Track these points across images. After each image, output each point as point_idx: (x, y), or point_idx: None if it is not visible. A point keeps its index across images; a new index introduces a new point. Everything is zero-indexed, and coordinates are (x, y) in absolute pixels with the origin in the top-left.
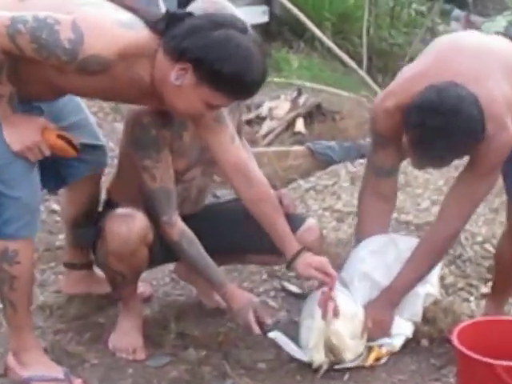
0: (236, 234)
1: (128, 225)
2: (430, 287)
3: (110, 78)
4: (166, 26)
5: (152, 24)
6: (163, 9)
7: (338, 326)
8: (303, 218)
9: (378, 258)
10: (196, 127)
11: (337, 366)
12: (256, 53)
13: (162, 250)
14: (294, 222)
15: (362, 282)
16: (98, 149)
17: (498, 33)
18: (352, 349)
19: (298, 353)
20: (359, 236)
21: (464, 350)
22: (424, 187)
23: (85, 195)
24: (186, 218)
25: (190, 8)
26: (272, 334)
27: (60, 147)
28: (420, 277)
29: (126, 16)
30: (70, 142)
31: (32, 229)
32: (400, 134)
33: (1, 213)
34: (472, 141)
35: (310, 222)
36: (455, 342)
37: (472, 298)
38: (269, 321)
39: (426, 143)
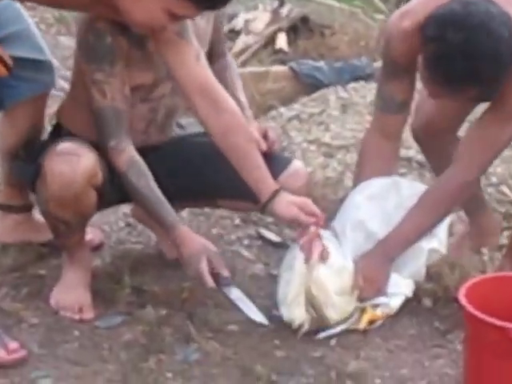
0: (206, 173)
1: (71, 164)
2: (436, 242)
3: None
4: None
5: None
6: None
7: (321, 273)
8: (288, 159)
9: (376, 205)
10: (154, 41)
11: (321, 335)
12: None
13: (115, 187)
14: (278, 163)
15: (356, 232)
16: (41, 65)
17: None
18: (338, 306)
19: (258, 315)
20: (358, 179)
21: (473, 310)
22: None
23: (26, 121)
24: (149, 150)
25: None
26: (228, 290)
27: None
28: (425, 229)
29: None
30: (2, 61)
31: None
32: (417, 63)
33: None
34: (497, 67)
35: (296, 164)
36: (463, 301)
37: (485, 250)
38: (226, 273)
39: (444, 62)
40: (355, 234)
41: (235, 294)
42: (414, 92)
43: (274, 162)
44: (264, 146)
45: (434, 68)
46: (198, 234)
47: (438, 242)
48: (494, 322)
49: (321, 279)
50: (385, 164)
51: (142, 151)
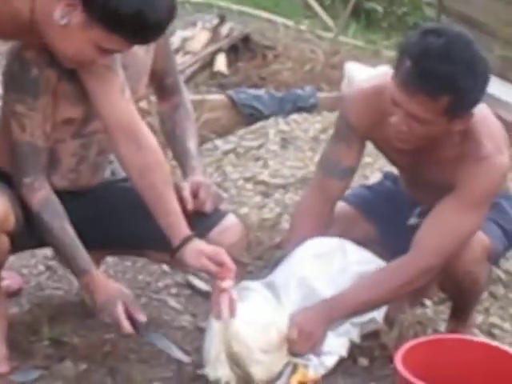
0: (134, 223)
1: None
2: (374, 313)
3: None
4: None
5: None
6: None
7: (239, 328)
8: (222, 213)
9: (322, 264)
10: (80, 71)
11: None
12: None
13: (33, 229)
14: (209, 217)
15: (299, 288)
16: None
17: None
18: (265, 364)
19: (179, 354)
20: (292, 236)
21: (407, 375)
22: (375, 155)
23: None
24: (78, 193)
25: None
26: (146, 334)
27: None
28: (374, 306)
29: None
30: None
31: None
32: (371, 132)
33: None
34: (471, 78)
35: (230, 219)
36: (397, 365)
37: (429, 303)
38: (142, 318)
39: (424, 64)
40: (298, 290)
41: (154, 336)
42: (359, 161)
43: (206, 216)
44: (191, 206)
45: (412, 73)
46: (123, 280)
47: (376, 312)
48: None
49: (240, 334)
50: (321, 227)
51: (71, 193)
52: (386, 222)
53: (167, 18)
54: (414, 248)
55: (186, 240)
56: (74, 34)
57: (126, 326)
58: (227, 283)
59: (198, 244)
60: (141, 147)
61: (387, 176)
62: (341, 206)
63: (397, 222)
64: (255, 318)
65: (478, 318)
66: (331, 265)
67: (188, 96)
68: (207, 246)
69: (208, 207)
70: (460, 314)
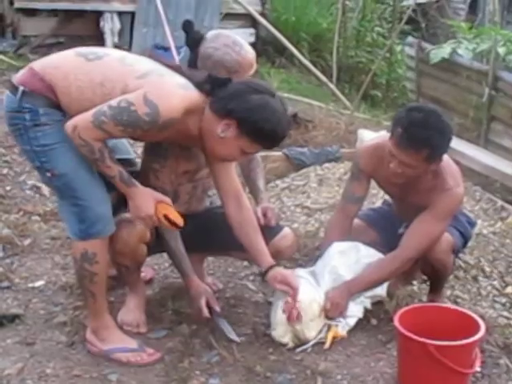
0: (226, 234)
1: (128, 230)
2: (379, 289)
3: (172, 128)
4: (211, 88)
5: (198, 85)
6: (177, 59)
7: (301, 325)
8: (281, 227)
9: (343, 258)
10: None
11: (300, 348)
12: (283, 113)
13: (160, 242)
14: (273, 229)
15: (331, 274)
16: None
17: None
18: (313, 328)
19: (233, 335)
20: (327, 240)
21: (402, 329)
22: (378, 188)
23: None
24: (190, 216)
25: (203, 48)
26: (217, 319)
27: (165, 225)
28: (377, 282)
29: (181, 78)
30: (173, 223)
31: (105, 231)
32: (374, 173)
33: (77, 220)
34: (442, 138)
35: (286, 231)
36: (396, 323)
37: (415, 283)
38: (217, 308)
39: (411, 130)
40: (330, 276)
41: (221, 321)
42: (367, 191)
43: (271, 229)
44: (262, 222)
45: (403, 137)
46: (218, 271)
47: (380, 288)
48: (417, 339)
49: (302, 328)
50: (344, 235)
51: (186, 215)
52: (384, 231)
53: (287, 132)
54: (400, 246)
55: (268, 268)
56: (228, 142)
57: (205, 312)
58: (294, 301)
59: (275, 271)
60: (241, 207)
61: (385, 202)
62: (356, 221)
63: (391, 231)
64: (302, 296)
65: (447, 292)
66: (350, 258)
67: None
68: (280, 273)
69: (273, 222)
70: (435, 290)
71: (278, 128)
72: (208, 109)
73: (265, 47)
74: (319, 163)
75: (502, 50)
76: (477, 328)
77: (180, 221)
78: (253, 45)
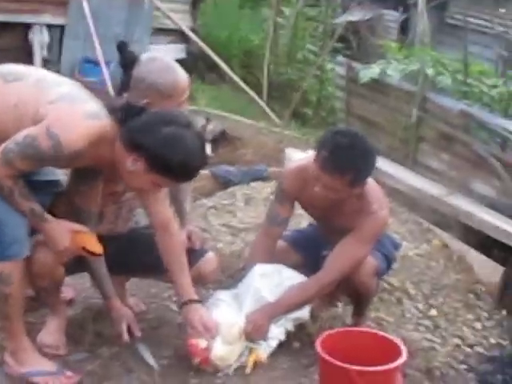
0: (150, 257)
1: (45, 251)
2: (302, 312)
3: (83, 157)
4: (124, 117)
5: (113, 112)
6: (106, 74)
7: (218, 352)
8: (205, 250)
9: (266, 280)
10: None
11: (221, 373)
12: (198, 144)
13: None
14: (197, 253)
15: (253, 296)
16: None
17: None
18: (233, 352)
19: (152, 361)
20: (250, 262)
21: (323, 354)
22: None
23: None
24: (115, 237)
25: (137, 71)
26: (137, 343)
27: (83, 255)
28: (298, 305)
29: (92, 106)
30: (92, 253)
31: (20, 253)
32: (298, 194)
33: None
34: (366, 161)
35: (210, 255)
36: (317, 348)
37: (340, 305)
38: (138, 333)
39: (336, 153)
40: (252, 298)
41: (141, 346)
42: (292, 213)
43: (195, 252)
44: (186, 245)
45: (327, 161)
46: (141, 292)
47: (303, 311)
48: (338, 364)
49: (221, 356)
50: (267, 257)
51: (110, 237)
52: (309, 253)
53: (202, 165)
54: (323, 269)
55: (188, 302)
56: (138, 175)
57: (125, 337)
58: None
59: (194, 308)
60: (169, 235)
61: (311, 224)
62: (280, 243)
63: (316, 253)
64: (223, 320)
65: (371, 314)
66: (272, 280)
67: None
68: (197, 312)
69: (196, 246)
70: (359, 312)
71: (190, 162)
72: (118, 140)
73: (195, 63)
74: (246, 182)
75: (430, 72)
76: (399, 353)
77: (99, 249)
78: (183, 60)
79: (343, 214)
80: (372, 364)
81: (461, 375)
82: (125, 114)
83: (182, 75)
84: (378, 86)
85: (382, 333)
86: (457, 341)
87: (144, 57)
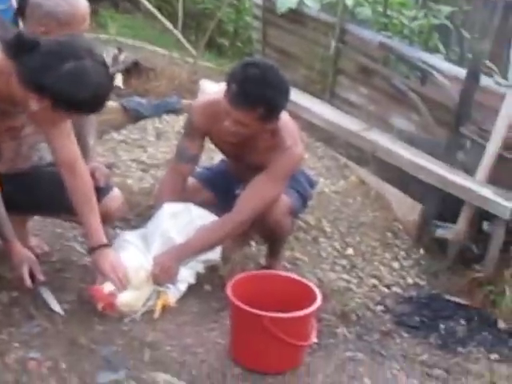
0: (55, 195)
1: None
2: (212, 253)
3: None
4: (17, 52)
5: (5, 46)
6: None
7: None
8: (110, 187)
9: (175, 220)
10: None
11: (128, 318)
12: (102, 74)
13: None
14: (101, 191)
15: (161, 238)
16: None
17: (290, 8)
18: (140, 296)
19: (57, 307)
20: (158, 201)
21: (235, 300)
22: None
23: None
24: (16, 175)
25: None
26: (40, 288)
27: None
28: (207, 247)
29: None
30: None
31: None
32: (208, 130)
33: None
34: (278, 95)
35: (115, 192)
36: (228, 292)
37: (254, 244)
38: (41, 277)
39: (247, 86)
40: (160, 239)
41: (44, 291)
42: (202, 149)
43: (99, 190)
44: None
45: (237, 94)
46: (45, 232)
47: (214, 252)
48: (251, 310)
49: (127, 302)
50: (176, 195)
51: (10, 175)
52: (221, 192)
53: (107, 97)
54: (234, 208)
55: (98, 247)
56: (45, 113)
57: (27, 281)
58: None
59: (105, 253)
60: (75, 175)
61: (223, 160)
62: (190, 180)
63: (228, 192)
64: (129, 263)
65: (287, 254)
66: (181, 220)
67: None
68: (109, 257)
69: (101, 183)
70: (273, 252)
71: (96, 96)
72: (16, 77)
73: None
74: (158, 115)
75: (349, 2)
76: (313, 297)
77: None
78: None
79: (256, 150)
80: (286, 309)
81: (377, 317)
82: (17, 49)
83: (81, 1)
84: (295, 16)
85: (295, 276)
86: (374, 281)
87: None
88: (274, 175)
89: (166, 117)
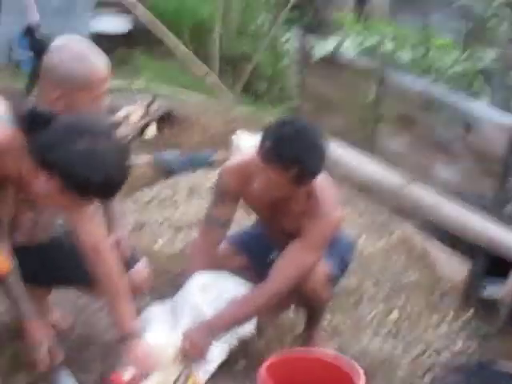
0: (76, 267)
1: None
2: (247, 326)
3: None
4: (30, 126)
5: (18, 119)
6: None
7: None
8: (135, 259)
9: (206, 292)
10: None
11: None
12: (118, 158)
13: None
14: (128, 263)
15: (191, 311)
16: None
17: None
18: (168, 376)
19: None
20: (188, 270)
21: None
22: None
23: None
24: (37, 247)
25: (48, 58)
26: (56, 372)
27: None
28: (241, 320)
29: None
30: None
31: None
32: (240, 192)
33: None
34: (313, 157)
35: (141, 264)
36: (262, 377)
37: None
38: (60, 358)
39: (283, 146)
40: (191, 313)
41: (62, 375)
42: (234, 212)
43: (126, 262)
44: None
45: (271, 152)
46: (68, 302)
47: (249, 325)
48: None
49: None
50: (209, 262)
51: (30, 247)
52: (256, 256)
53: (124, 180)
54: (269, 277)
55: (125, 337)
56: (54, 196)
57: (43, 364)
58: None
59: (136, 343)
60: (104, 259)
61: (258, 223)
62: (223, 245)
63: (263, 256)
64: (156, 340)
65: (326, 320)
66: (212, 292)
67: None
68: (134, 349)
69: (127, 254)
70: (312, 322)
71: (109, 179)
72: (27, 151)
73: (143, 35)
74: (191, 169)
75: (389, 46)
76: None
77: (6, 266)
78: (129, 33)
79: (291, 214)
80: None
81: None
82: (31, 123)
83: (99, 63)
84: (333, 61)
85: (338, 358)
86: (421, 347)
87: (56, 41)
88: (309, 242)
89: (199, 172)
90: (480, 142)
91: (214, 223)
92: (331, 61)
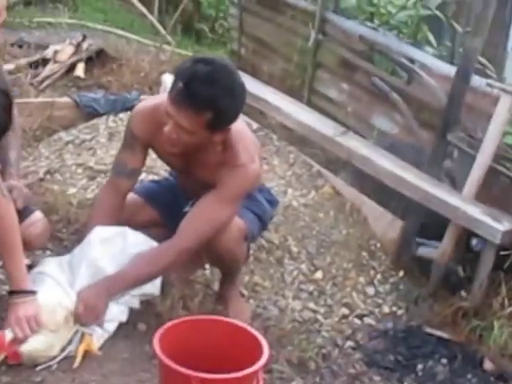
0: None
1: None
2: (150, 286)
3: None
4: None
5: None
6: None
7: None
8: (30, 210)
9: (107, 246)
10: None
11: (42, 366)
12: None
13: None
14: (20, 214)
15: (89, 268)
16: None
17: None
18: (57, 340)
19: None
20: (90, 222)
21: (162, 356)
22: None
23: None
24: None
25: None
26: None
27: None
28: (143, 279)
29: None
30: None
31: None
32: (151, 140)
33: None
34: (229, 101)
35: (36, 216)
36: (156, 346)
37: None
38: None
39: (193, 85)
40: (88, 269)
41: None
42: (144, 163)
43: (18, 213)
44: None
45: (182, 93)
46: None
47: (152, 285)
48: (180, 370)
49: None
50: (113, 215)
51: None
52: (167, 209)
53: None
54: (177, 233)
55: (18, 292)
56: None
57: None
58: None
59: (15, 303)
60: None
61: (171, 173)
62: (131, 196)
63: (176, 209)
64: (44, 301)
65: (246, 278)
66: (114, 247)
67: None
68: (18, 311)
69: (18, 205)
70: (227, 279)
71: None
72: None
73: None
74: (114, 112)
75: None
76: (259, 350)
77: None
78: None
79: (205, 165)
80: (226, 362)
81: (345, 356)
82: None
83: None
84: (273, 2)
85: (238, 323)
86: (344, 310)
87: None
88: (224, 195)
89: (121, 115)
90: (421, 92)
91: (121, 172)
92: (271, 2)
